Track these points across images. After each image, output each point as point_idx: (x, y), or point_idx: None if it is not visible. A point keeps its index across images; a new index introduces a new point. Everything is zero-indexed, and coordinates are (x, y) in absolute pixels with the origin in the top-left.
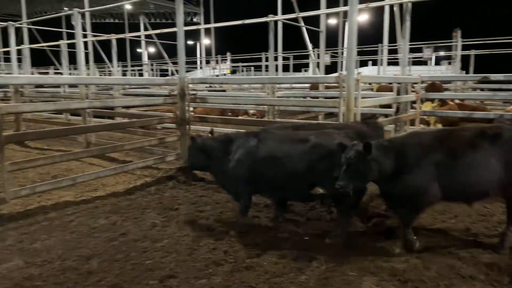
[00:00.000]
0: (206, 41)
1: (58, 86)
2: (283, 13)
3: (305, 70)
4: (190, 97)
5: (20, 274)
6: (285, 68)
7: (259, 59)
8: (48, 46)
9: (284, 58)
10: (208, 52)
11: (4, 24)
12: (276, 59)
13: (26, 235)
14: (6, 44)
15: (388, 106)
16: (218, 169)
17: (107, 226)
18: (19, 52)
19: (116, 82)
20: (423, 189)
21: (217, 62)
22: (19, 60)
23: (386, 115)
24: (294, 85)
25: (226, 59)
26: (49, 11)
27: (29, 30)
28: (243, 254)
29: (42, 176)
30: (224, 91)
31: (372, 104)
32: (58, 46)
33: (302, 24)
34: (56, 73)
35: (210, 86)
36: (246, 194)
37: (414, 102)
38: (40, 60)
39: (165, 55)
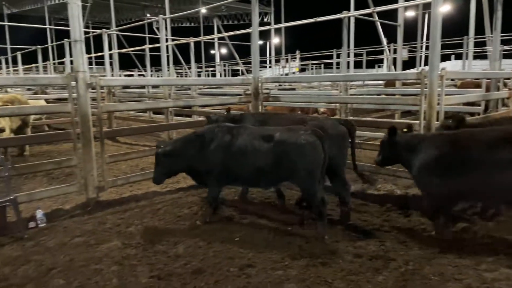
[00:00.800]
0: (275, 40)
1: (143, 87)
2: (355, 8)
3: (379, 67)
4: (263, 96)
5: (119, 253)
6: (357, 65)
7: (329, 57)
8: (134, 51)
9: (356, 55)
10: (277, 51)
11: (99, 31)
12: (348, 55)
13: (122, 220)
14: (96, 49)
15: (473, 103)
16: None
17: (190, 215)
18: (109, 56)
19: (196, 82)
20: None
21: (286, 60)
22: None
23: (471, 114)
24: (367, 82)
25: (295, 58)
26: (134, 18)
27: (117, 35)
28: (318, 250)
29: (132, 168)
30: (293, 89)
31: (457, 102)
32: (141, 50)
33: (377, 18)
34: (139, 75)
35: (280, 85)
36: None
37: (506, 99)
38: (125, 63)
39: (236, 56)
